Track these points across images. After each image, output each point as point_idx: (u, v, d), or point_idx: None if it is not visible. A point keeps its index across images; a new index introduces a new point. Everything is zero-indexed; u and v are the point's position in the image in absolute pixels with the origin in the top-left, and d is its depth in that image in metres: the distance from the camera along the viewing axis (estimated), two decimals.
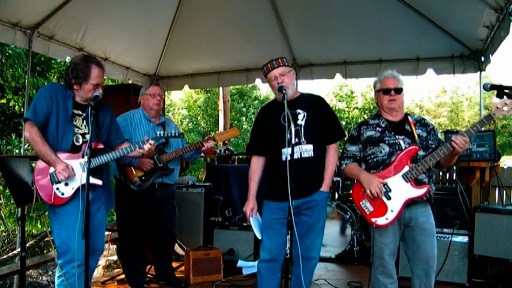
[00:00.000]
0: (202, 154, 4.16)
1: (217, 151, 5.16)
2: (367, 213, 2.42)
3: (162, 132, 2.64)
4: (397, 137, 2.46)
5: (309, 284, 2.60)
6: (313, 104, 2.64)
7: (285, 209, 2.43)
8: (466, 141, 2.21)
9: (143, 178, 3.22)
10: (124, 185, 3.23)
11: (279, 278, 2.65)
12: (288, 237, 2.31)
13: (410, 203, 2.39)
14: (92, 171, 2.34)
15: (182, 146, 3.42)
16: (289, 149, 2.31)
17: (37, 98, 2.43)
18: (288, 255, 2.33)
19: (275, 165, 2.55)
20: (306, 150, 2.53)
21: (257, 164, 2.70)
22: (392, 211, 2.37)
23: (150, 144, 2.56)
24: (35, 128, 2.36)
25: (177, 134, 2.77)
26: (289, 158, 2.30)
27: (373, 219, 2.40)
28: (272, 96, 2.74)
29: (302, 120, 2.54)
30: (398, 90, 2.48)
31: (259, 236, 2.67)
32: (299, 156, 2.51)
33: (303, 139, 2.53)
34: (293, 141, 2.35)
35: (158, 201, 3.32)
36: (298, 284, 2.59)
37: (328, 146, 2.63)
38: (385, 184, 2.38)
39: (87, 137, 2.46)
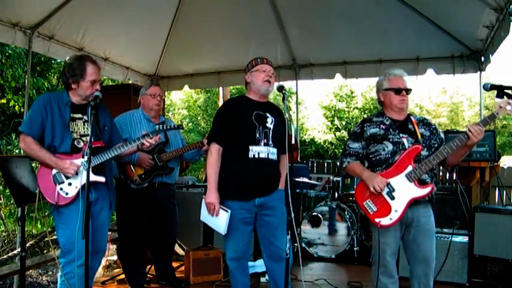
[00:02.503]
0: (204, 155, 4.16)
1: None
2: (371, 213, 2.42)
3: (160, 126, 2.64)
4: (401, 135, 2.46)
5: (288, 284, 2.45)
6: (278, 113, 2.71)
7: (247, 208, 2.53)
8: (481, 131, 2.21)
9: (143, 176, 3.23)
10: (124, 184, 3.23)
11: (248, 273, 2.70)
12: (288, 237, 2.31)
13: (412, 203, 2.38)
14: (94, 170, 2.36)
15: (182, 146, 3.42)
16: (258, 147, 2.51)
17: (31, 110, 2.47)
18: (289, 255, 2.32)
19: (241, 162, 2.54)
20: (272, 152, 2.59)
21: (218, 153, 2.59)
22: (396, 211, 2.36)
23: (149, 140, 2.56)
24: (29, 137, 2.40)
25: (175, 126, 2.80)
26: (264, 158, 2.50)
27: (377, 220, 2.38)
28: (272, 96, 2.75)
29: (271, 124, 2.61)
30: (409, 91, 2.52)
31: (224, 231, 2.50)
32: (266, 157, 2.56)
33: (271, 142, 2.58)
34: (263, 142, 2.52)
35: (159, 200, 3.32)
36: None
37: (282, 154, 2.69)
38: (388, 184, 2.38)
39: (88, 138, 2.47)
